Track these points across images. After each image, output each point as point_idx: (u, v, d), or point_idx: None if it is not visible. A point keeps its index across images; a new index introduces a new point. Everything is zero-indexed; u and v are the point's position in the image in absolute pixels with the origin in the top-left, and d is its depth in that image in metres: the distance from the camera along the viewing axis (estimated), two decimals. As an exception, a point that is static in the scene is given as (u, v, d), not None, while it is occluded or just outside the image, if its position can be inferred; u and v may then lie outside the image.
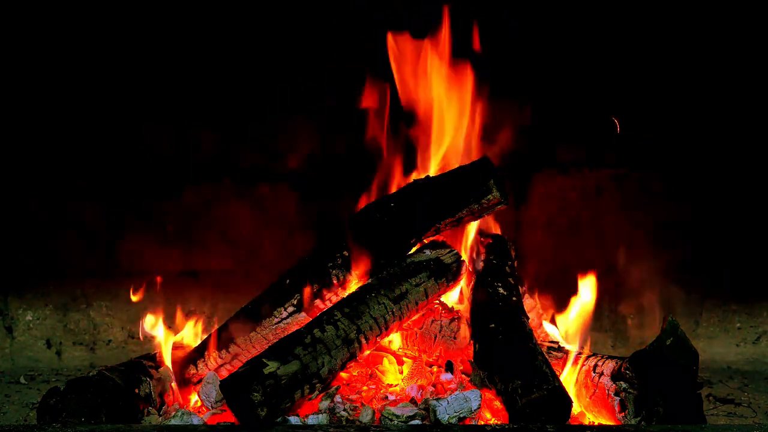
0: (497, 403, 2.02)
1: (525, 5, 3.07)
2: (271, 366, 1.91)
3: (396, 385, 2.24)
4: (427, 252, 2.30)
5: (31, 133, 3.10)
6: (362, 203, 2.48)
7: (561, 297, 2.54)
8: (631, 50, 3.09)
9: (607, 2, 3.06)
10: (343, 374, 2.18)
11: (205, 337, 2.39)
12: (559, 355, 2.22)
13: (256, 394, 1.86)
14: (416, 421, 1.97)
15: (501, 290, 2.26)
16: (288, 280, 2.33)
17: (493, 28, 2.91)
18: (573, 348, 2.27)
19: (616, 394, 1.97)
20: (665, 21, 3.07)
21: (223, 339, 2.29)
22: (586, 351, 2.26)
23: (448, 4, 2.56)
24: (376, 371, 2.27)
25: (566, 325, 2.42)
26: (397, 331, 2.30)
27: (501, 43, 3.06)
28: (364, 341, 2.10)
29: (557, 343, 2.31)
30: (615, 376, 2.00)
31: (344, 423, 1.99)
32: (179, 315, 2.54)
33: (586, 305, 2.42)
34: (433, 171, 2.49)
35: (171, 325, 2.49)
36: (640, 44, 3.09)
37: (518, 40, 3.07)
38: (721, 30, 3.06)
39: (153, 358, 2.25)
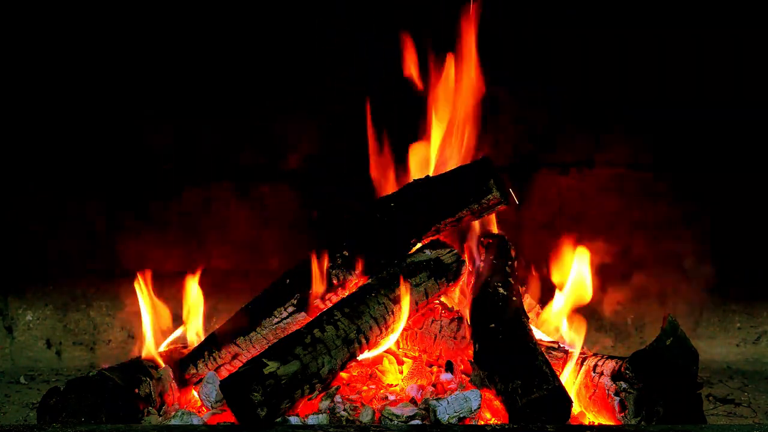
0: (497, 403, 2.02)
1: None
2: (271, 366, 1.91)
3: (396, 385, 2.24)
4: (427, 252, 2.30)
5: (30, 133, 3.10)
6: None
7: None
8: (630, 50, 3.09)
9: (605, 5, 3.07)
10: (343, 374, 2.18)
11: (205, 337, 2.39)
12: (559, 355, 2.22)
13: (256, 394, 1.86)
14: (416, 421, 1.97)
15: (501, 290, 2.25)
16: (288, 280, 2.33)
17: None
18: (572, 348, 2.27)
19: (616, 394, 1.97)
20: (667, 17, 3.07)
21: (223, 339, 2.28)
22: (587, 351, 2.26)
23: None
24: (376, 371, 2.27)
25: (565, 325, 2.42)
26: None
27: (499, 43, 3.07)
28: (364, 341, 2.10)
29: (557, 343, 2.31)
30: (615, 376, 2.00)
31: (344, 423, 1.99)
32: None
33: (585, 305, 2.42)
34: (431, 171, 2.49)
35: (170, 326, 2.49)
36: (639, 44, 3.09)
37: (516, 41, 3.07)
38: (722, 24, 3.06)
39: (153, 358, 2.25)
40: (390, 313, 2.15)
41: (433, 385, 2.19)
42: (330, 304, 2.25)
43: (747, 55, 3.05)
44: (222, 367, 2.26)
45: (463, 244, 2.53)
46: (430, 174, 2.43)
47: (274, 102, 3.12)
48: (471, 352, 2.16)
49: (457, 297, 2.45)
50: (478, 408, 1.99)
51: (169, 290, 3.13)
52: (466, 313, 2.30)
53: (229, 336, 2.28)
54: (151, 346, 2.31)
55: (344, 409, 2.03)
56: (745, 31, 3.03)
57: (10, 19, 3.02)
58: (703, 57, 3.07)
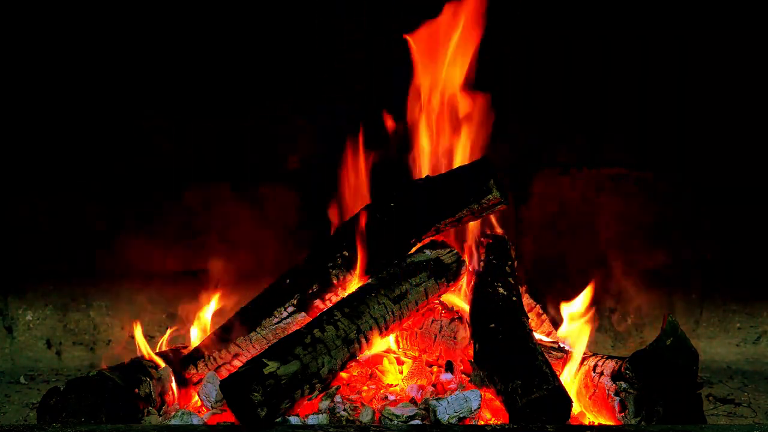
0: (497, 403, 2.02)
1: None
2: (271, 366, 1.91)
3: (396, 385, 2.24)
4: (427, 252, 2.30)
5: (30, 133, 3.10)
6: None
7: (561, 297, 2.55)
8: (630, 51, 3.09)
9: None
10: (343, 374, 2.18)
11: (205, 337, 2.39)
12: (559, 355, 2.22)
13: (256, 394, 1.86)
14: (416, 421, 1.97)
15: (501, 290, 2.25)
16: (288, 280, 2.33)
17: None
18: (573, 348, 2.27)
19: (616, 394, 1.97)
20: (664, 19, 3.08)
21: (223, 339, 2.28)
22: (587, 351, 2.26)
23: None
24: (376, 371, 2.27)
25: (567, 325, 2.42)
26: (397, 331, 2.30)
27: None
28: (364, 341, 2.10)
29: (557, 343, 2.31)
30: (615, 376, 2.00)
31: (344, 423, 1.99)
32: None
33: (586, 305, 2.42)
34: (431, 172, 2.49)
35: (170, 326, 2.49)
36: (639, 45, 3.09)
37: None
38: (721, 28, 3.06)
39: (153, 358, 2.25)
40: (390, 313, 2.15)
41: (433, 385, 2.19)
42: (330, 304, 2.25)
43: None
44: (222, 367, 2.26)
45: (463, 244, 2.53)
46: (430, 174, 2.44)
47: (274, 103, 3.12)
48: (471, 352, 2.16)
49: (457, 297, 2.45)
50: (478, 408, 1.99)
51: (169, 290, 3.15)
52: (466, 313, 2.30)
53: (229, 336, 2.28)
54: (150, 346, 2.31)
55: (344, 409, 2.03)
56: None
57: (13, 21, 3.02)
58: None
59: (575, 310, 2.43)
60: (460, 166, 2.43)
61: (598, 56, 3.08)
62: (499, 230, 2.63)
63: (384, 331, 2.16)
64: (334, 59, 3.09)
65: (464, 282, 2.40)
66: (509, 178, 3.12)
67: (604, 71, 3.08)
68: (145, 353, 2.28)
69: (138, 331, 2.36)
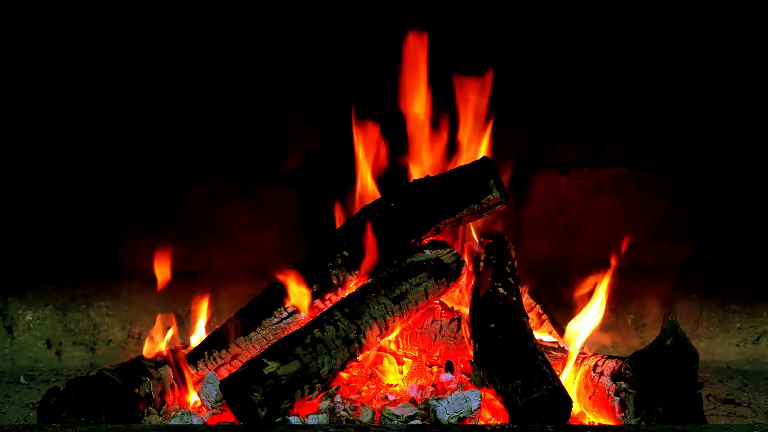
0: (497, 403, 2.02)
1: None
2: (271, 366, 1.91)
3: (396, 385, 2.24)
4: (427, 252, 2.30)
5: (30, 132, 3.09)
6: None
7: (561, 297, 2.55)
8: (630, 50, 3.09)
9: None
10: (343, 374, 2.18)
11: (205, 337, 2.39)
12: (559, 355, 2.23)
13: (256, 394, 1.86)
14: (416, 421, 1.97)
15: (501, 290, 2.25)
16: (288, 280, 2.33)
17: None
18: (573, 348, 2.27)
19: (616, 394, 1.97)
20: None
21: (223, 339, 2.29)
22: (587, 351, 2.26)
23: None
24: (376, 371, 2.27)
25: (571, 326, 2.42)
26: (397, 331, 2.30)
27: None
28: (364, 341, 2.10)
29: (557, 343, 2.31)
30: (615, 376, 2.00)
31: (344, 423, 1.99)
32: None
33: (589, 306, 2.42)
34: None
35: (170, 326, 2.49)
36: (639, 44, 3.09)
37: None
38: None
39: (153, 358, 2.25)
40: (390, 313, 2.15)
41: (433, 385, 2.19)
42: (330, 304, 2.25)
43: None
44: (222, 367, 2.26)
45: (463, 244, 2.53)
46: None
47: (274, 102, 3.12)
48: (471, 352, 2.16)
49: (457, 297, 2.45)
50: (478, 408, 1.99)
51: (169, 290, 3.14)
52: (466, 313, 2.31)
53: (229, 336, 2.28)
54: (152, 346, 2.31)
55: (344, 409, 2.04)
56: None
57: (13, 21, 3.02)
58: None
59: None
60: (460, 166, 2.43)
61: (598, 56, 3.07)
62: (499, 230, 2.63)
63: (384, 331, 2.16)
64: (334, 59, 3.09)
65: (464, 282, 2.40)
66: (509, 178, 3.12)
67: (604, 71, 3.08)
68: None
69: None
